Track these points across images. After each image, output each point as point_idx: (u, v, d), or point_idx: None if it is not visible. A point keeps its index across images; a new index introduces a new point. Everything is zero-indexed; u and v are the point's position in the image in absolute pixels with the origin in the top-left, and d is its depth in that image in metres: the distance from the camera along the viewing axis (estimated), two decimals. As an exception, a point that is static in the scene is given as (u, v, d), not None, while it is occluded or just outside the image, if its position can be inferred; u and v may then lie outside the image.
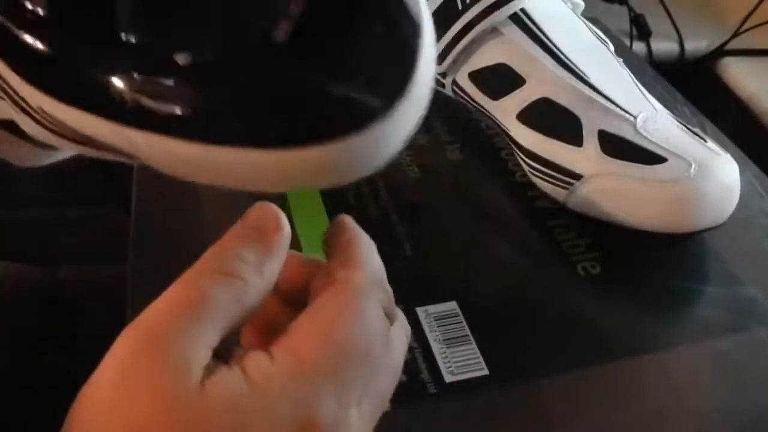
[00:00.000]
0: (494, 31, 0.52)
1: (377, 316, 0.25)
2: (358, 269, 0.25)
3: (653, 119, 0.47)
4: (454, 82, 0.56)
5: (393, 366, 0.26)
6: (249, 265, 0.23)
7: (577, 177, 0.47)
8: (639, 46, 0.82)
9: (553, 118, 0.49)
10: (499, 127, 0.53)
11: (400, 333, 0.27)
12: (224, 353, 0.23)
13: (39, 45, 0.22)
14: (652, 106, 0.49)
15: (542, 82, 0.50)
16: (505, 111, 0.52)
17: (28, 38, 0.22)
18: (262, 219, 0.25)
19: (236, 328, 0.23)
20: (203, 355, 0.21)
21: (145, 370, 0.20)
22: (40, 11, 0.22)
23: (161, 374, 0.20)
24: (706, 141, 0.47)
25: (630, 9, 0.84)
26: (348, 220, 0.28)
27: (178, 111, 0.20)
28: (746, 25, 0.81)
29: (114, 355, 0.21)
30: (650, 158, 0.45)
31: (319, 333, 0.23)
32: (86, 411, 0.21)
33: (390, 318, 0.26)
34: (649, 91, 0.51)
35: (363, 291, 0.25)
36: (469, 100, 0.56)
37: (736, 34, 0.81)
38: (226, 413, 0.21)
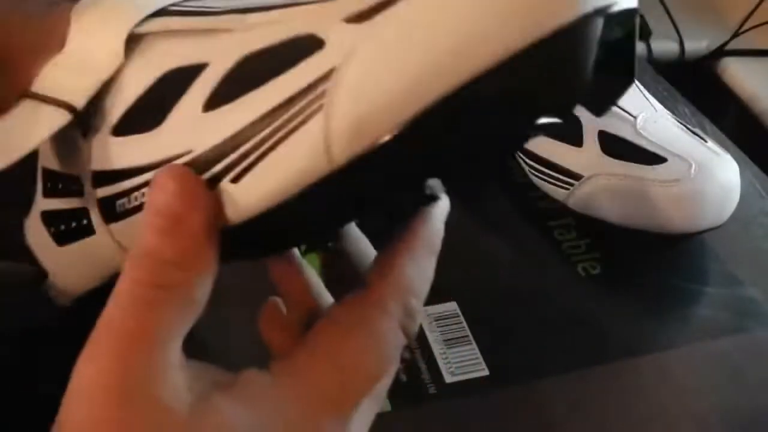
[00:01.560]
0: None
1: (391, 338, 0.23)
2: (385, 277, 0.24)
3: (653, 119, 0.47)
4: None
5: (392, 372, 0.25)
6: (180, 268, 0.21)
7: (577, 177, 0.47)
8: (639, 46, 0.82)
9: (553, 119, 0.49)
10: (499, 127, 0.53)
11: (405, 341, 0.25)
12: (218, 376, 0.22)
13: None
14: (652, 106, 0.49)
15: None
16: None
17: None
18: (172, 202, 0.21)
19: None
20: (179, 378, 0.21)
21: (126, 411, 0.20)
22: None
23: (146, 414, 0.20)
24: (706, 141, 0.47)
25: (630, 9, 0.84)
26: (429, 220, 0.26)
27: None
28: (746, 25, 0.81)
29: (88, 392, 0.20)
30: (650, 158, 0.45)
31: (325, 355, 0.23)
32: None
33: (407, 332, 0.24)
34: (649, 91, 0.51)
35: (382, 306, 0.23)
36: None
37: (736, 34, 0.81)
38: None
